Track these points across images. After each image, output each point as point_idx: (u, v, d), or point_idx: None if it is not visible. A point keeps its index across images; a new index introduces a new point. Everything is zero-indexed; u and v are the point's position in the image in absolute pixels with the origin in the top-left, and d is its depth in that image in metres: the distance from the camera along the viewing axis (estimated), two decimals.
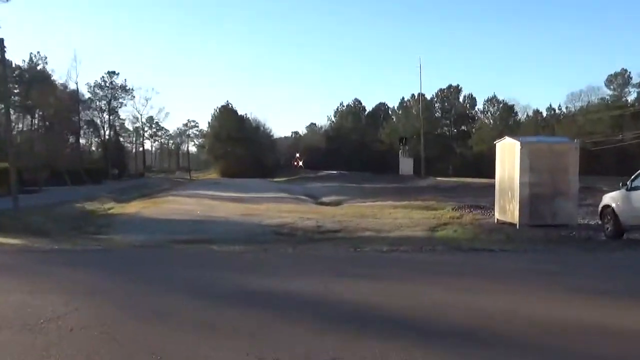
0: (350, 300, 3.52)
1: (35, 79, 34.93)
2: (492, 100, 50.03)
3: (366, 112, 64.73)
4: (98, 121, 47.55)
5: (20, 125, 33.33)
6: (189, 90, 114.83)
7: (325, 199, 18.66)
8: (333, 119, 65.19)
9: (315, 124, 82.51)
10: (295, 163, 54.76)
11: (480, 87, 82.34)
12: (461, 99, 51.80)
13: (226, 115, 53.12)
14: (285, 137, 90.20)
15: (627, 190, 7.26)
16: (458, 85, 51.88)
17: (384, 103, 65.23)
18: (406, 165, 35.83)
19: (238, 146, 51.94)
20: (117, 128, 51.32)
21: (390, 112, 62.89)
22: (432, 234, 8.38)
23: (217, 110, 54.53)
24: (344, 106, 63.62)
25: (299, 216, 10.89)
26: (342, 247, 6.64)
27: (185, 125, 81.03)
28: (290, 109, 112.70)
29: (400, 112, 57.87)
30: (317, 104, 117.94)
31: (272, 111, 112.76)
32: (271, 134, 60.23)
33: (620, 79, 42.47)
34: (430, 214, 10.87)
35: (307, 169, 49.89)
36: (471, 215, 10.28)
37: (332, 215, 11.12)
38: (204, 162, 67.07)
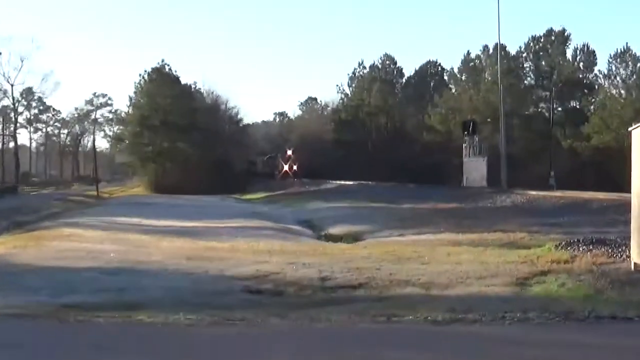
0: None
1: None
2: (624, 56, 49.90)
3: (403, 79, 65.60)
4: None
5: None
6: (95, 48, 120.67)
7: (333, 231, 18.95)
8: (346, 89, 66.05)
9: (315, 100, 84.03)
10: (285, 168, 55.49)
11: (601, 34, 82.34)
12: (569, 55, 52.06)
13: (161, 84, 53.86)
14: (265, 123, 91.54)
15: None
16: (564, 31, 51.70)
17: (435, 63, 66.30)
18: (475, 170, 35.99)
19: (182, 139, 52.72)
20: None
21: (445, 78, 63.78)
22: (522, 290, 8.37)
23: (145, 78, 55.20)
24: (364, 68, 64.43)
25: (289, 261, 10.93)
26: (365, 315, 6.66)
27: (90, 102, 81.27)
28: (273, 75, 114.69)
29: (463, 78, 58.63)
30: (318, 68, 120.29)
31: (244, 82, 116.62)
32: (239, 117, 61.09)
33: None
34: (517, 255, 10.87)
35: (303, 178, 50.78)
36: (589, 256, 10.23)
37: (347, 259, 11.16)
38: (123, 168, 67.42)
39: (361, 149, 55.18)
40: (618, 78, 49.90)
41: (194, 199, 35.64)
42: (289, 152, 56.02)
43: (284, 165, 55.48)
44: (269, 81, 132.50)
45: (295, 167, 54.24)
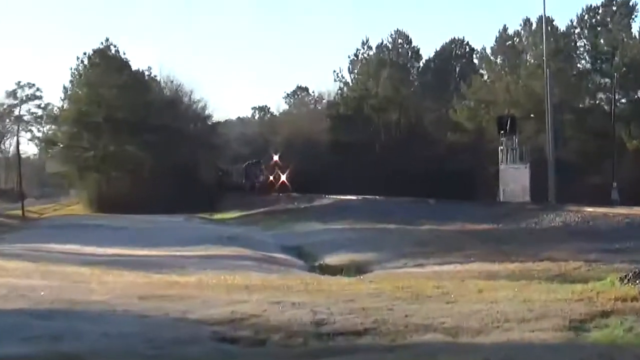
0: None
1: None
2: None
3: (421, 63, 66.12)
4: None
5: None
6: (19, 25, 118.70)
7: (331, 260, 18.98)
8: (347, 76, 66.40)
9: (306, 90, 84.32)
10: (270, 178, 56.12)
11: None
12: (635, 31, 52.46)
13: (105, 71, 54.08)
14: (242, 121, 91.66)
15: None
16: (629, 0, 52.09)
17: (461, 41, 66.85)
18: (514, 180, 36.18)
19: (133, 141, 52.96)
20: None
21: (475, 61, 64.15)
22: (578, 336, 8.37)
23: (84, 62, 55.44)
24: (370, 49, 65.01)
25: (273, 299, 10.94)
26: None
27: (12, 94, 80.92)
28: (251, 60, 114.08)
29: (497, 60, 59.03)
30: (309, 50, 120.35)
31: (213, 68, 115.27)
32: (207, 112, 60.93)
33: None
34: (571, 291, 10.89)
35: (292, 193, 51.09)
36: None
37: (348, 297, 11.16)
38: (57, 180, 67.13)
39: (366, 153, 55.39)
40: None
41: (149, 219, 35.58)
42: (275, 158, 56.14)
43: (268, 175, 55.59)
44: (246, 67, 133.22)
45: (283, 178, 54.32)
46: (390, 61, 62.69)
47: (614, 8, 51.84)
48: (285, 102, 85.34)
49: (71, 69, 56.33)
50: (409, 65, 64.59)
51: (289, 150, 57.35)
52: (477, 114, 52.49)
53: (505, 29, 58.69)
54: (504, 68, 56.53)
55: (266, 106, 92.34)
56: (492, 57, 60.08)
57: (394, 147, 55.58)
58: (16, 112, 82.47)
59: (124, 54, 55.78)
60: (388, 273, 15.57)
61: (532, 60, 51.69)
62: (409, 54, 64.85)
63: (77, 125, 53.66)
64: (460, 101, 55.59)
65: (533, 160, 36.32)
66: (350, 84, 65.34)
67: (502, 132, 38.35)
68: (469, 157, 49.12)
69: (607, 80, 50.96)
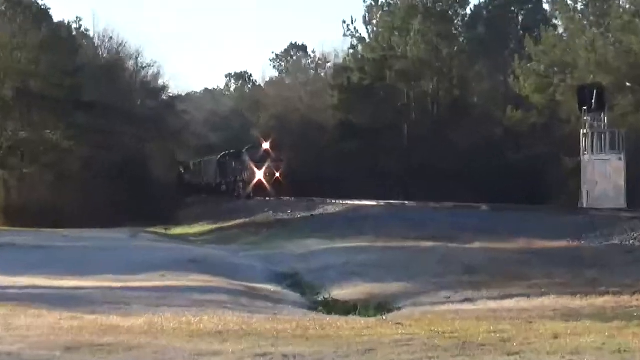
0: None
1: None
2: None
3: (467, 10, 66.20)
4: None
5: None
6: None
7: (340, 293, 19.08)
8: (362, 29, 66.84)
9: (303, 49, 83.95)
10: (259, 174, 56.04)
11: None
12: None
13: (13, 21, 54.02)
14: (211, 94, 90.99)
15: None
16: None
17: None
18: (604, 176, 36.12)
19: (56, 123, 52.79)
20: None
21: (546, 7, 63.98)
22: None
23: None
24: None
25: (258, 350, 10.95)
26: None
27: None
28: (224, 14, 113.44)
29: (577, 6, 58.89)
30: None
31: (169, 22, 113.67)
32: (162, 83, 60.34)
33: None
34: None
35: (285, 197, 51.28)
36: None
37: (366, 347, 11.18)
38: None
39: (389, 140, 55.33)
40: None
41: (79, 235, 35.60)
42: (265, 146, 55.78)
43: (254, 171, 55.27)
44: (216, 18, 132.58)
45: (277, 175, 54.11)
46: (424, 7, 62.60)
47: None
48: (274, 66, 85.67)
49: None
50: (450, 13, 64.47)
51: (279, 136, 57.35)
52: (549, 83, 52.35)
53: None
54: (588, 17, 56.42)
55: (246, 73, 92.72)
56: (570, 1, 59.94)
57: (430, 131, 55.55)
58: None
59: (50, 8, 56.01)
60: (422, 312, 15.54)
61: (628, 6, 51.58)
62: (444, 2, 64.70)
63: None
64: (523, 64, 55.43)
65: (630, 149, 36.17)
66: (368, 41, 65.32)
67: (584, 108, 38.25)
68: (537, 144, 49.07)
69: None
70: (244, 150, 58.39)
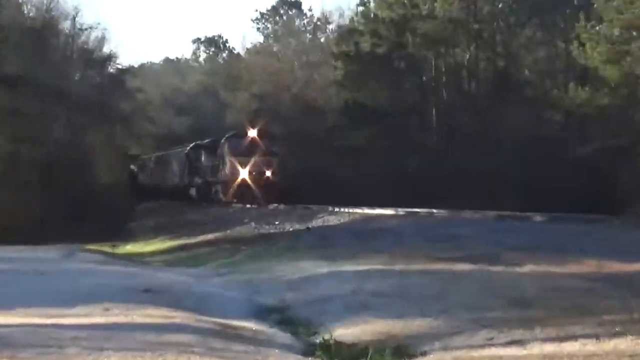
0: None
1: None
2: None
3: None
4: None
5: None
6: None
7: (344, 333, 19.11)
8: None
9: (298, 5, 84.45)
10: (243, 172, 56.56)
11: None
12: None
13: None
14: (174, 65, 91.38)
15: None
16: None
17: None
18: None
19: None
20: None
21: None
22: None
23: None
24: None
25: None
26: None
27: None
28: None
29: None
30: None
31: None
32: (109, 51, 60.78)
33: None
34: None
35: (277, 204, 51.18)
36: None
37: None
38: None
39: (410, 128, 55.43)
40: None
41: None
42: (252, 134, 55.70)
43: (239, 168, 55.16)
44: None
45: (268, 173, 54.24)
46: None
47: None
48: (258, 29, 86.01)
49: None
50: None
51: (267, 121, 57.56)
52: (625, 52, 52.25)
53: None
54: None
55: (220, 37, 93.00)
56: None
57: (465, 116, 55.79)
58: None
59: None
60: (455, 358, 15.33)
61: None
62: None
63: None
64: (591, 28, 55.37)
65: None
66: None
67: None
68: (610, 134, 49.02)
69: None
70: (222, 140, 58.27)
